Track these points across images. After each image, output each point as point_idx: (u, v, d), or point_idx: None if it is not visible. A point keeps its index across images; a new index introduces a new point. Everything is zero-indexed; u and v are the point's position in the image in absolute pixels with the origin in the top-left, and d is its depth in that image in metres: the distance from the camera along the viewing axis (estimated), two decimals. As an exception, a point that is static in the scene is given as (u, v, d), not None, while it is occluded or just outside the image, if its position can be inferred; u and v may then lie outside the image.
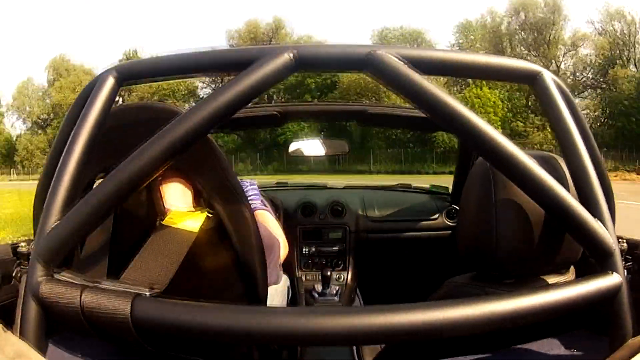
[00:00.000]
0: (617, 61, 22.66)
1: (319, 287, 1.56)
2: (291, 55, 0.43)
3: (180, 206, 0.60)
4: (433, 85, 0.43)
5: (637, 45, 22.66)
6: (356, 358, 1.00)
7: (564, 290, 0.44)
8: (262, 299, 0.63)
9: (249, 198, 1.16)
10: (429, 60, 0.46)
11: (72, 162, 0.45)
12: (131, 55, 26.16)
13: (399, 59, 0.44)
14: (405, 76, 0.44)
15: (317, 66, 0.46)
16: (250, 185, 1.30)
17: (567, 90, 0.52)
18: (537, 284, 0.52)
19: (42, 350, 0.42)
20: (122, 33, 48.51)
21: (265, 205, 1.23)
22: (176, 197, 0.63)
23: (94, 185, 0.52)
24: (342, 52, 0.45)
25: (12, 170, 29.11)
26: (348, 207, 1.65)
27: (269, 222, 1.02)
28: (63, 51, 35.31)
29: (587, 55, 24.17)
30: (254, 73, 0.43)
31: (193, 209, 0.61)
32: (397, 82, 0.44)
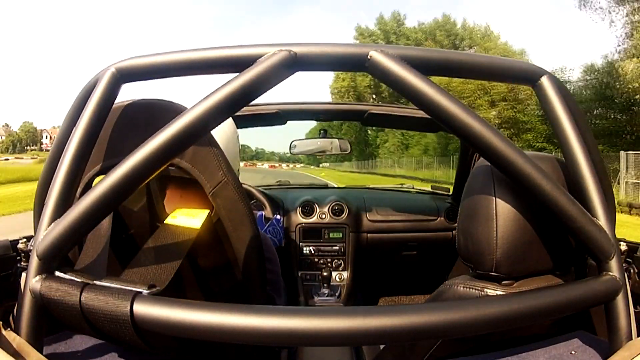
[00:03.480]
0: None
1: (318, 287, 1.56)
2: (292, 54, 0.43)
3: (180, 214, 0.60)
4: (432, 86, 0.43)
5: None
6: (355, 358, 1.00)
7: (563, 291, 0.44)
8: (260, 298, 0.63)
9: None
10: (429, 61, 0.46)
11: (73, 160, 0.45)
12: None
13: (399, 59, 0.44)
14: (405, 76, 0.43)
15: (317, 66, 0.45)
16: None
17: (570, 93, 0.52)
18: (537, 285, 0.52)
19: (41, 347, 0.42)
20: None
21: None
22: (177, 203, 0.63)
23: (93, 184, 0.52)
24: (342, 52, 0.44)
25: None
26: (348, 207, 1.65)
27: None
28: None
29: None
30: (253, 72, 0.43)
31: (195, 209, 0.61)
32: (396, 82, 0.44)
